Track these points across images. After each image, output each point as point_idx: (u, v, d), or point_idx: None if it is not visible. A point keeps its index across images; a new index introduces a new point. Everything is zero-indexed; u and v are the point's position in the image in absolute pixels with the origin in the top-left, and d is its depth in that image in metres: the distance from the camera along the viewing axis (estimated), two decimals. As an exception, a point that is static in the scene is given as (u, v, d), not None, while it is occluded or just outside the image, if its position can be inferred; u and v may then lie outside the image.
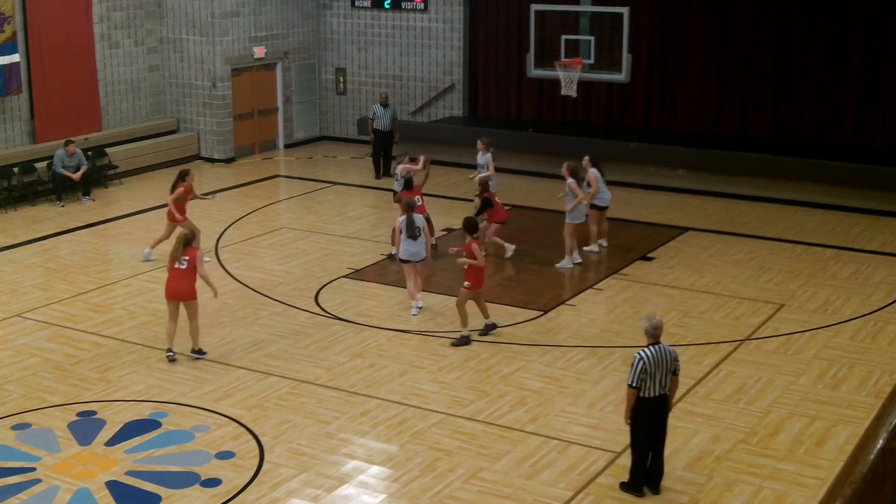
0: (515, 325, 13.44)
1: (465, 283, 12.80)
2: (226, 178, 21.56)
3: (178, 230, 14.73)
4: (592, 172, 16.06)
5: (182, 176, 15.66)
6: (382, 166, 21.40)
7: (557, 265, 15.67)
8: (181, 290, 12.14)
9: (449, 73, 23.27)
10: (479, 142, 17.77)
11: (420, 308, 13.89)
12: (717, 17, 20.93)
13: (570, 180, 15.41)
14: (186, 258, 12.13)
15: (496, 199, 15.96)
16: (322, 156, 23.53)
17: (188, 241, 12.22)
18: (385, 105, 21.50)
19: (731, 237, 17.25)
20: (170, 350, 12.31)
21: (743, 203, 19.26)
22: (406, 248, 13.66)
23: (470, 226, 12.98)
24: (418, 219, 13.79)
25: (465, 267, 12.81)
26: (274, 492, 9.43)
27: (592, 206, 15.87)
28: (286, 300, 14.28)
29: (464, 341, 12.78)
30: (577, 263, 15.73)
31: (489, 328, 13.07)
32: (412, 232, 13.61)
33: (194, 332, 12.35)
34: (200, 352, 12.39)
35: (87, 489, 9.49)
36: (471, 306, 12.94)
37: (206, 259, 15.48)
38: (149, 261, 15.82)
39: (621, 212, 18.73)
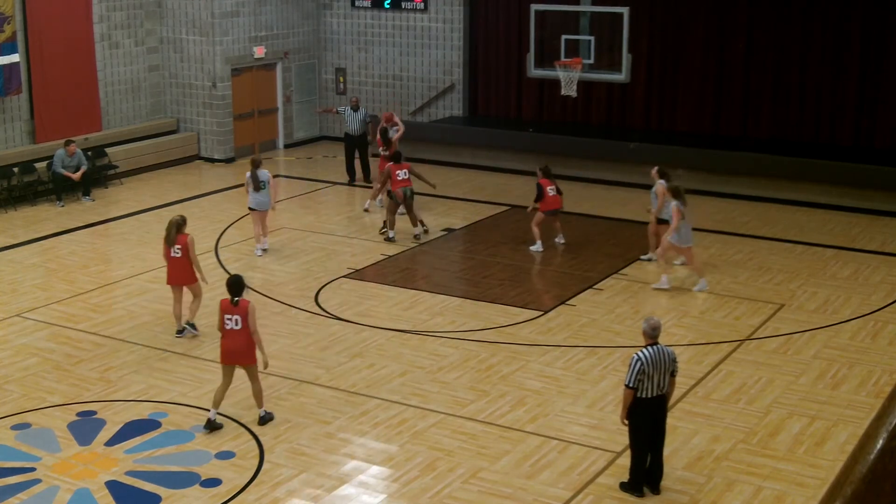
0: (515, 325, 13.44)
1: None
2: (226, 178, 21.56)
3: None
4: (661, 185, 15.33)
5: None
6: (360, 170, 20.81)
7: (653, 286, 14.77)
8: (180, 277, 12.83)
9: (449, 73, 23.27)
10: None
11: (265, 250, 16.15)
12: (717, 17, 20.93)
13: (674, 203, 14.53)
14: (179, 246, 12.66)
15: (548, 188, 16.11)
16: (322, 156, 23.52)
17: (179, 227, 12.71)
18: (355, 109, 20.82)
19: (731, 237, 17.24)
20: (180, 330, 12.97)
21: (743, 203, 19.26)
22: (254, 198, 15.83)
23: (234, 283, 10.62)
24: (263, 174, 15.83)
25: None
26: (274, 492, 9.43)
27: (659, 220, 15.25)
28: (286, 300, 14.28)
29: (212, 426, 10.61)
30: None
31: (210, 425, 10.64)
32: (257, 185, 15.77)
33: (195, 308, 12.96)
34: (192, 326, 12.96)
35: (87, 489, 9.49)
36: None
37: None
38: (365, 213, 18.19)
39: (621, 212, 18.77)
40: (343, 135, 21.28)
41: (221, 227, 17.91)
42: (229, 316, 10.52)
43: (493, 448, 10.21)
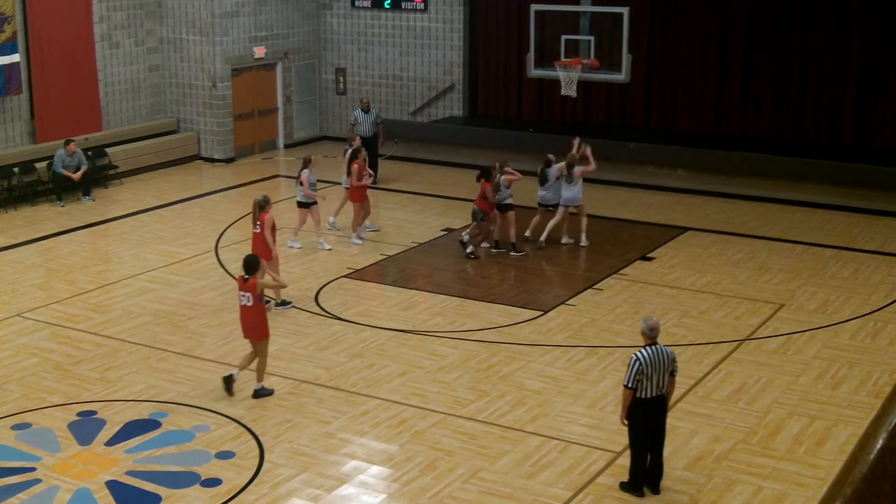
0: (515, 325, 13.44)
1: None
2: (226, 178, 21.57)
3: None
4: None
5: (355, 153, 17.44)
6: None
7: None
8: (259, 251, 13.24)
9: (449, 73, 23.27)
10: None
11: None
12: (717, 18, 20.93)
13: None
14: (259, 223, 13.58)
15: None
16: (322, 156, 23.50)
17: (261, 206, 13.59)
18: (366, 110, 20.87)
19: (731, 237, 17.24)
20: (280, 302, 13.97)
21: (743, 203, 19.26)
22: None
23: (247, 262, 11.35)
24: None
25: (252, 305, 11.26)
26: (274, 492, 9.43)
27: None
28: (286, 300, 14.26)
29: (228, 383, 11.42)
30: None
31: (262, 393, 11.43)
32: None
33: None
34: (284, 303, 13.98)
35: (87, 489, 9.49)
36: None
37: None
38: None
39: (621, 212, 18.77)
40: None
41: (221, 227, 17.92)
42: (242, 293, 11.21)
43: (493, 448, 10.21)
